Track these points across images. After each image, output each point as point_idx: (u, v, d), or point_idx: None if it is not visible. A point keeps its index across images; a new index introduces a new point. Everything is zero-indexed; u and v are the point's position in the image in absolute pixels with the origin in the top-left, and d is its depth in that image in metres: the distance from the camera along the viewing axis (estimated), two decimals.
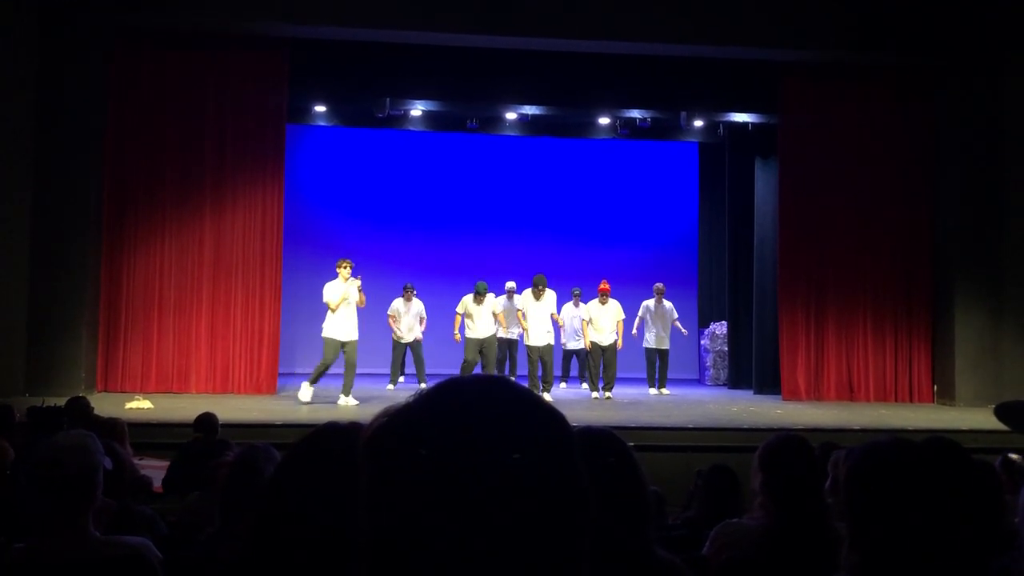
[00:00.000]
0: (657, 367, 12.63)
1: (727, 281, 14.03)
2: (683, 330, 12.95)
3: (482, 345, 11.50)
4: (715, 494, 4.34)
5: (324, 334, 10.29)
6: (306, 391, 10.35)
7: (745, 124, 12.68)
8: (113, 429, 5.47)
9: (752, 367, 12.92)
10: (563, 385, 13.13)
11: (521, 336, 11.83)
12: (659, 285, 12.82)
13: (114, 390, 10.82)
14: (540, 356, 11.24)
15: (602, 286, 11.77)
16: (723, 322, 14.23)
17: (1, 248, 10.22)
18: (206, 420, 6.27)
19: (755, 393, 12.55)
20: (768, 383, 12.40)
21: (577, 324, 12.35)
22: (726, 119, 12.74)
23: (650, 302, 12.76)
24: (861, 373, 11.90)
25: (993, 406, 8.74)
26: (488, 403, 0.85)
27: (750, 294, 13.13)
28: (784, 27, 11.14)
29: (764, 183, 12.83)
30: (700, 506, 4.47)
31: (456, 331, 11.88)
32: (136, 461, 5.88)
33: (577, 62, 11.61)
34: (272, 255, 11.44)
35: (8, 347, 10.15)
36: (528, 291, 11.34)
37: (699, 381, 14.72)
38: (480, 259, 15.10)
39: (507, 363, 12.27)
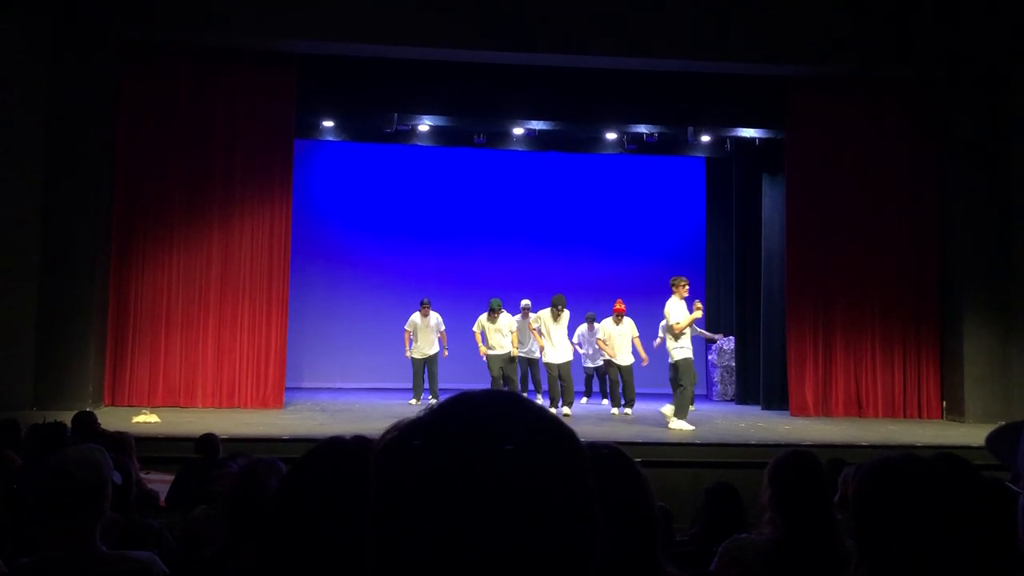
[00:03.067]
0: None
1: (734, 296, 14.01)
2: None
3: (502, 361, 11.60)
4: (716, 511, 4.33)
5: (680, 357, 9.94)
6: (680, 423, 9.91)
7: (752, 139, 12.69)
8: (121, 443, 5.47)
9: (760, 383, 12.88)
10: (584, 400, 13.12)
11: (540, 353, 11.84)
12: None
13: (121, 404, 10.83)
14: (559, 373, 11.33)
15: (617, 306, 11.66)
16: (730, 337, 14.21)
17: (10, 262, 10.26)
18: (207, 441, 6.28)
19: (763, 409, 12.50)
20: (776, 399, 12.35)
21: (595, 346, 12.23)
22: (733, 134, 12.75)
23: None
24: (869, 389, 11.85)
25: (994, 427, 8.67)
26: (499, 418, 0.85)
27: (757, 309, 13.10)
28: (791, 42, 11.16)
29: (771, 198, 12.83)
30: (703, 524, 4.45)
31: (482, 347, 11.84)
32: (143, 475, 5.88)
33: (584, 77, 11.64)
34: (280, 270, 11.46)
35: (16, 361, 10.18)
36: (547, 310, 11.45)
37: (706, 396, 14.68)
38: (488, 273, 15.13)
39: (529, 380, 12.29)
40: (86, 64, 10.60)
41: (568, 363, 11.44)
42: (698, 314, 10.06)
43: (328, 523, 1.53)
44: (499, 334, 11.66)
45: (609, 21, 10.94)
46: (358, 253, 15.39)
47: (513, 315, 11.92)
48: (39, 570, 2.49)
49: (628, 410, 11.49)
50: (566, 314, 11.45)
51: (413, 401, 12.43)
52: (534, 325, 11.58)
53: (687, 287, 10.12)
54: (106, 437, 5.59)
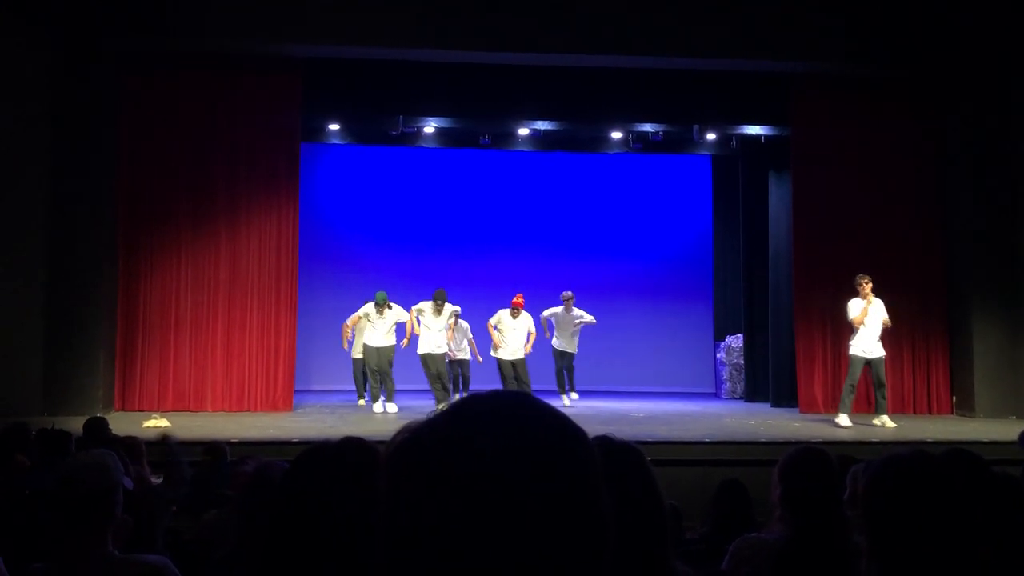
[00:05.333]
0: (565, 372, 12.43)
1: (742, 294, 13.98)
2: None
3: (381, 354, 11.41)
4: (725, 509, 4.32)
5: (852, 352, 10.14)
6: (845, 419, 10.17)
7: (758, 137, 12.66)
8: (132, 448, 5.49)
9: (769, 380, 12.85)
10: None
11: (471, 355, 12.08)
12: (566, 293, 12.44)
13: (131, 409, 10.85)
14: (437, 369, 11.23)
15: (516, 299, 11.69)
16: (739, 335, 14.18)
17: (19, 269, 10.30)
18: (216, 447, 6.33)
19: (772, 406, 12.47)
20: (785, 396, 12.32)
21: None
22: (739, 132, 12.73)
23: (557, 309, 12.36)
24: None
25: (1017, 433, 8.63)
26: (509, 419, 0.85)
27: (765, 307, 13.07)
28: (796, 40, 11.13)
29: (778, 195, 12.80)
30: (711, 522, 4.45)
31: (344, 342, 12.02)
32: (154, 480, 5.90)
33: (589, 77, 11.63)
34: (287, 273, 11.47)
35: (26, 367, 10.21)
36: (429, 303, 11.33)
37: (715, 394, 14.65)
38: (494, 274, 15.12)
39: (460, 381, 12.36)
40: (89, 71, 10.62)
41: (443, 355, 11.36)
42: (872, 298, 10.02)
43: (323, 523, 1.55)
44: (383, 328, 11.41)
45: (613, 20, 10.92)
46: (365, 255, 15.40)
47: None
48: (51, 575, 2.50)
49: None
50: (448, 308, 11.32)
51: (360, 402, 12.26)
52: (415, 317, 11.39)
53: (868, 285, 10.06)
54: (117, 442, 5.61)
